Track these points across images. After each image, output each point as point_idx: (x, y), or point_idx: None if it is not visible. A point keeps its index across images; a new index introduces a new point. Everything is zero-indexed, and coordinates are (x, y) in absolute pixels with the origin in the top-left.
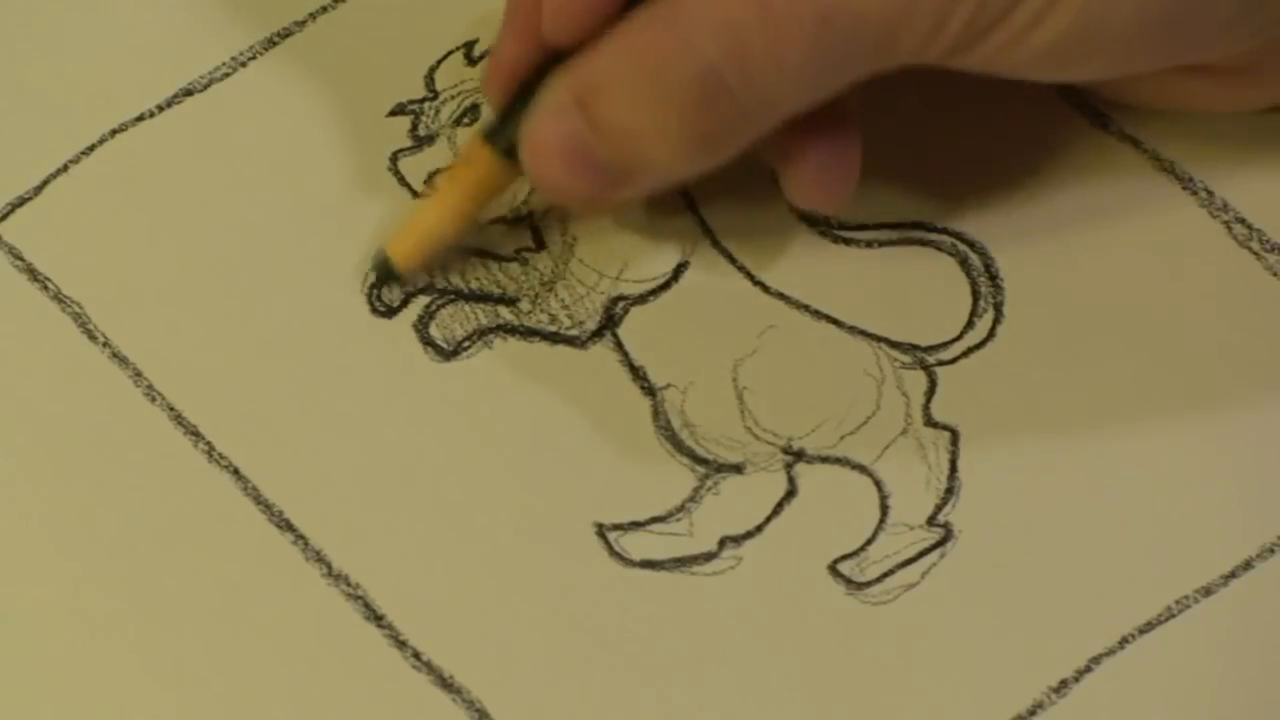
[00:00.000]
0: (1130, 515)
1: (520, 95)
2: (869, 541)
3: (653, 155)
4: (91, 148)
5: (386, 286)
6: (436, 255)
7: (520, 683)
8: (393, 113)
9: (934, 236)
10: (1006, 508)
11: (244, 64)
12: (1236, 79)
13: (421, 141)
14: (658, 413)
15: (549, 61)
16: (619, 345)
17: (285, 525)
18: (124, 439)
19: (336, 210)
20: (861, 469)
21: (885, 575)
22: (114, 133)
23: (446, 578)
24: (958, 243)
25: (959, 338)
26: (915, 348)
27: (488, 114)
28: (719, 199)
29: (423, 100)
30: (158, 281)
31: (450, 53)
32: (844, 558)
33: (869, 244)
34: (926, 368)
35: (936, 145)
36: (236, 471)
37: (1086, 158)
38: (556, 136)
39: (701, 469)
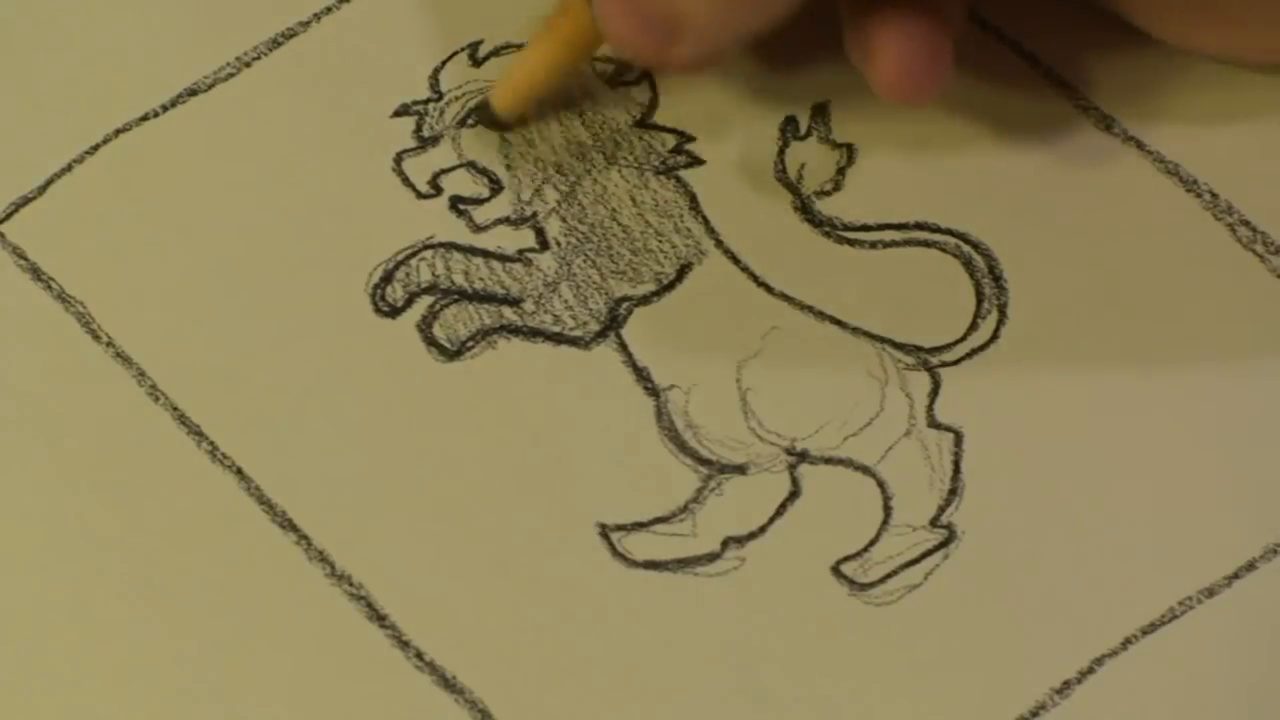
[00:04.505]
0: (1133, 516)
1: None
2: (872, 543)
3: (687, 9)
4: (95, 147)
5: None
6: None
7: (523, 683)
8: (397, 113)
9: (938, 237)
10: (1010, 509)
11: (248, 64)
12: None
13: (426, 143)
14: (661, 413)
15: None
16: (623, 346)
17: (288, 525)
18: (127, 439)
19: (340, 211)
20: (865, 470)
21: (888, 576)
22: (118, 132)
23: (449, 578)
24: (962, 244)
25: (963, 339)
26: (919, 349)
27: None
28: (723, 199)
29: (427, 101)
30: (161, 281)
31: (455, 53)
32: (847, 559)
33: (873, 245)
34: (930, 369)
35: (940, 146)
36: (240, 471)
37: (1091, 159)
38: None
39: (705, 470)
